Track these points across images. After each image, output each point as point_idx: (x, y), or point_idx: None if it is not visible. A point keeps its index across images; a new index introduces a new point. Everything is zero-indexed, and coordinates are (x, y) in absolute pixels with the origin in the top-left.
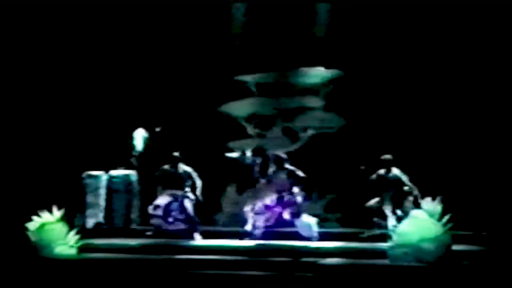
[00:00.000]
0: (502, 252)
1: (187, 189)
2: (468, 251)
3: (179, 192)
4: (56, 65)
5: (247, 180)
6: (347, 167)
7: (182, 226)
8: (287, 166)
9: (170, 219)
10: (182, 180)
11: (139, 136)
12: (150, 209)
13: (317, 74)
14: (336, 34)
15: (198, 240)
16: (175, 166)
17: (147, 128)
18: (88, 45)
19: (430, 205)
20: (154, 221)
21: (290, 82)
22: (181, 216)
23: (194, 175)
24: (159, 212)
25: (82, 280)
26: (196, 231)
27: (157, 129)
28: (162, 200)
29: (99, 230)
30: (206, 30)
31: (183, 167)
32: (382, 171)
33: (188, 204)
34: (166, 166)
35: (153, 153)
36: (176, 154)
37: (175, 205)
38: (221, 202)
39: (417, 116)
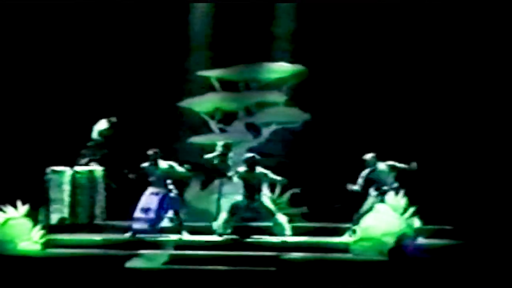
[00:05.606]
0: (466, 246)
1: (171, 186)
2: (431, 245)
3: (161, 190)
4: (16, 59)
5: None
6: (312, 161)
7: (166, 223)
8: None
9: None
10: (164, 177)
11: (97, 127)
12: (139, 213)
13: (280, 69)
14: (299, 29)
15: (186, 236)
16: (155, 164)
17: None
18: (50, 41)
19: (394, 199)
20: (137, 225)
21: (252, 77)
22: (165, 214)
23: (178, 168)
24: (151, 215)
25: (46, 276)
26: (182, 226)
27: (113, 119)
28: (150, 201)
29: (63, 226)
30: (168, 25)
31: (163, 163)
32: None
33: (172, 201)
34: (145, 164)
35: (111, 145)
36: (151, 151)
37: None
38: (184, 197)
39: (381, 109)
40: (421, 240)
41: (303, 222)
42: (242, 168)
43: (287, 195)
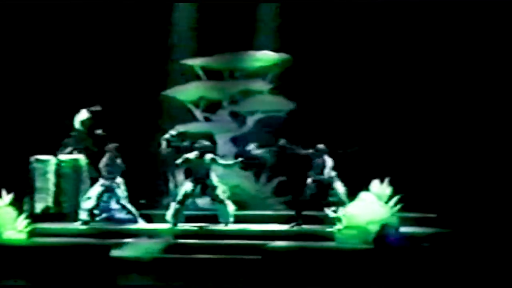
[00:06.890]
0: (451, 234)
1: (119, 178)
2: (416, 233)
3: (109, 182)
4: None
5: None
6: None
7: (121, 215)
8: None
9: (97, 211)
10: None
11: (79, 118)
12: (83, 203)
13: (265, 57)
14: (283, 17)
15: (142, 224)
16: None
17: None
18: (33, 33)
19: (379, 187)
20: (82, 216)
21: (237, 66)
22: (116, 205)
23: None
24: (90, 204)
25: (31, 265)
26: (136, 217)
27: (97, 108)
28: (94, 191)
29: (47, 215)
30: (152, 13)
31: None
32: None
33: (120, 193)
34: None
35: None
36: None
37: (106, 195)
38: (169, 186)
39: (365, 98)
40: (403, 228)
41: (288, 210)
42: (191, 155)
43: (273, 184)
